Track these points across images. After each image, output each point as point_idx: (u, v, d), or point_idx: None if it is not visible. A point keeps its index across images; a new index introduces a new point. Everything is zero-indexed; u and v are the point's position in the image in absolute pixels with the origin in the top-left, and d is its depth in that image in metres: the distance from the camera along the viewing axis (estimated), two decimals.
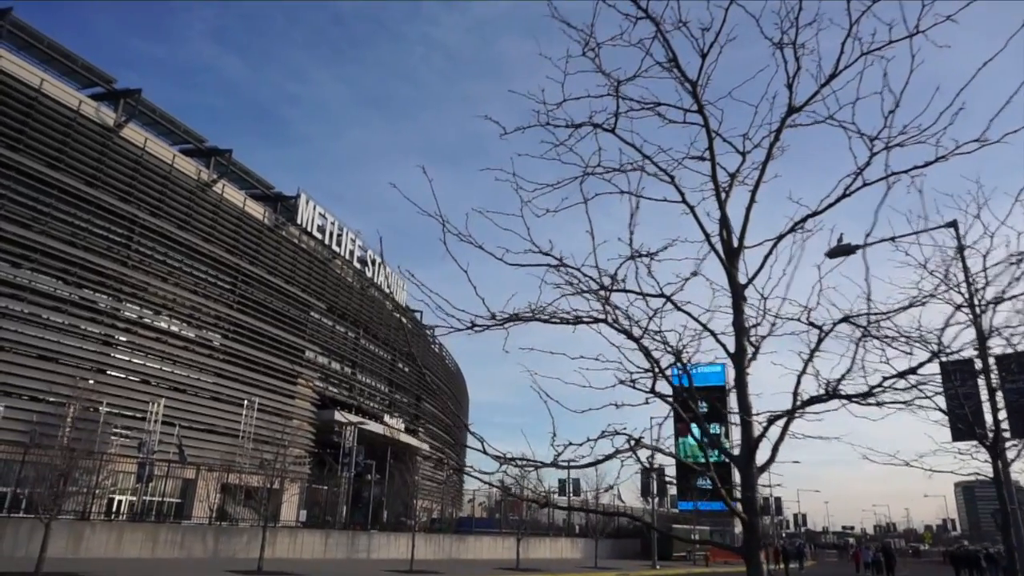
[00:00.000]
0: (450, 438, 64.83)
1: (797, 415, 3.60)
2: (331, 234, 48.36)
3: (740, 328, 3.71)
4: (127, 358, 33.20)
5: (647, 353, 3.72)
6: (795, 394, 3.69)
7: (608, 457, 3.43)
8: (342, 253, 49.58)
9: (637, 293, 3.80)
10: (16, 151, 29.26)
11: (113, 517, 27.70)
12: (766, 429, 3.56)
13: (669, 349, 3.81)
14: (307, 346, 44.99)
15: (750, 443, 3.53)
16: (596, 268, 3.69)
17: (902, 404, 3.69)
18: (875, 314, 3.81)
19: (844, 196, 3.63)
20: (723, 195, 3.84)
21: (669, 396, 3.76)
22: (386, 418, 50.84)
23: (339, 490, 38.79)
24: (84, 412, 25.93)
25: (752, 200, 3.83)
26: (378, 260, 53.77)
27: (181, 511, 32.93)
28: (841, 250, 5.30)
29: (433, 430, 62.77)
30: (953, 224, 9.21)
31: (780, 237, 3.78)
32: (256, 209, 42.43)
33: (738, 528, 67.90)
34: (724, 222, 3.85)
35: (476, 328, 3.67)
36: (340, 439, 42.25)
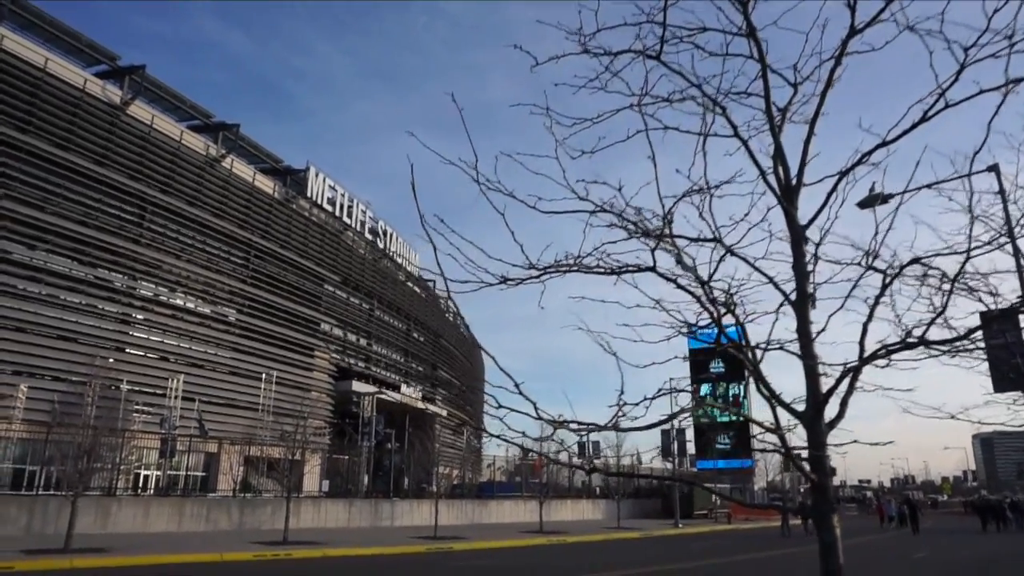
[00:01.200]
0: (469, 407, 65.20)
1: (882, 362, 3.32)
2: (342, 206, 48.11)
3: (801, 272, 3.41)
4: (145, 336, 33.39)
5: (712, 301, 3.42)
6: (861, 344, 3.40)
7: (673, 416, 3.19)
8: (353, 225, 49.38)
9: (693, 240, 3.48)
10: (25, 132, 29.08)
11: (140, 492, 28.09)
12: (839, 381, 3.28)
13: (720, 301, 3.52)
14: (322, 318, 45.07)
15: (817, 397, 3.26)
16: (660, 201, 3.36)
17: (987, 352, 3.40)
18: (957, 253, 3.48)
19: (923, 120, 3.26)
20: (776, 128, 3.51)
21: (733, 347, 3.48)
22: (403, 387, 51.08)
23: (359, 459, 39.13)
24: (105, 390, 26.16)
25: (811, 132, 3.48)
26: (390, 230, 53.54)
27: (206, 484, 33.39)
28: (872, 200, 4.98)
29: (451, 397, 63.13)
30: (995, 168, 8.79)
31: (845, 171, 3.44)
32: (266, 183, 42.18)
33: (758, 485, 68.15)
34: (779, 154, 3.51)
35: (509, 282, 3.39)
36: (359, 409, 42.52)
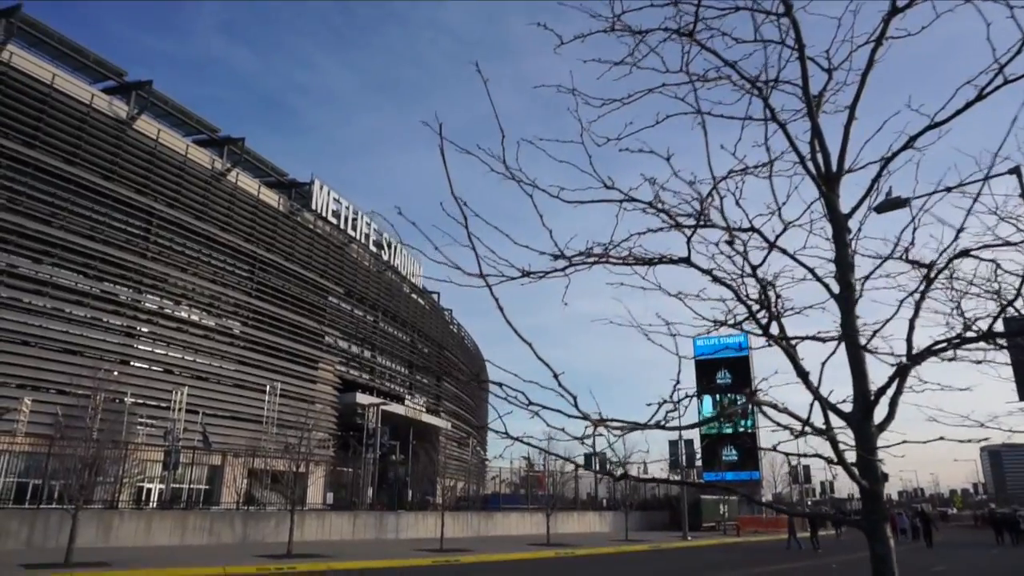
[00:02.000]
0: (473, 418, 64.91)
1: (950, 354, 3.13)
2: (346, 219, 48.09)
3: (844, 263, 3.22)
4: (150, 348, 33.27)
5: (763, 289, 3.25)
6: (909, 341, 3.22)
7: (716, 416, 3.00)
8: (358, 237, 49.33)
9: (729, 229, 3.29)
10: (32, 147, 29.13)
11: (142, 506, 27.87)
12: (891, 380, 3.10)
13: (753, 298, 3.34)
14: (327, 331, 44.91)
15: (866, 397, 3.07)
16: (710, 171, 3.18)
17: None
18: (1010, 245, 3.30)
19: (979, 98, 3.07)
20: (814, 110, 3.33)
21: (783, 340, 3.28)
22: (407, 399, 50.84)
23: (363, 471, 38.87)
24: (109, 403, 26.00)
25: (851, 116, 3.29)
26: (394, 243, 53.45)
27: (209, 497, 33.15)
28: (890, 204, 4.80)
29: (454, 408, 62.85)
30: (1016, 170, 8.64)
31: (893, 155, 3.26)
32: (271, 196, 42.21)
33: (765, 498, 67.57)
34: (818, 135, 3.32)
35: (532, 275, 3.22)
36: (363, 421, 42.26)
